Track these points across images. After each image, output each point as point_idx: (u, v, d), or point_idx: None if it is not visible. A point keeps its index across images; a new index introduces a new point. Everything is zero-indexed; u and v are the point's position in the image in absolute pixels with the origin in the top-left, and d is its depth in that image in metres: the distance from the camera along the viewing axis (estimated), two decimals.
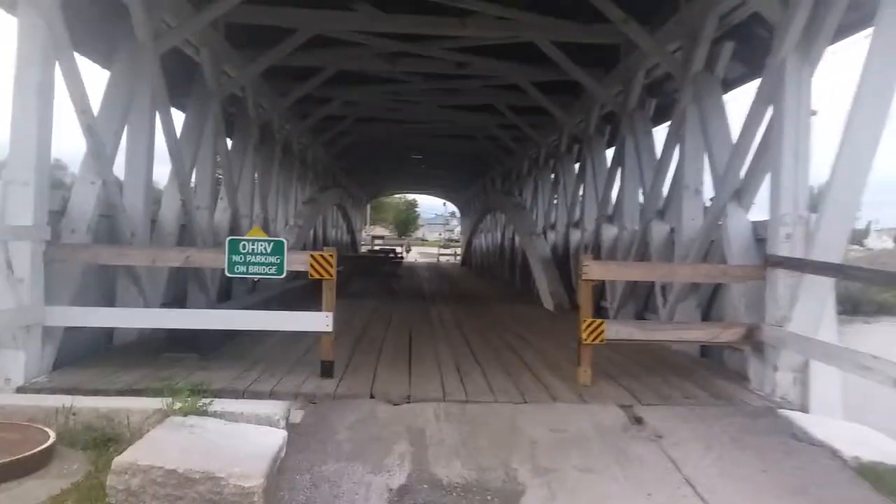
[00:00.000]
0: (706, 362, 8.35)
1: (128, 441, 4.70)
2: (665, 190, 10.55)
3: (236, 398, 6.03)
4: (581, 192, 15.52)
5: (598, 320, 6.93)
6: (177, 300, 10.96)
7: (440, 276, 28.03)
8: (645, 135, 11.30)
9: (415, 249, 65.14)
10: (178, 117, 11.11)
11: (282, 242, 6.72)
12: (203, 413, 4.86)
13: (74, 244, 6.80)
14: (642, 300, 11.46)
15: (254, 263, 6.66)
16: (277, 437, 4.64)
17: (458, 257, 44.86)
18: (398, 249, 42.52)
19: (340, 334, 9.55)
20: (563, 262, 16.23)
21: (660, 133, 12.04)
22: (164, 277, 9.38)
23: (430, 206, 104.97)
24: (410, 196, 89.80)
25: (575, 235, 15.76)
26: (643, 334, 6.92)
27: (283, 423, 5.00)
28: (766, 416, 6.06)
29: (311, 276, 6.72)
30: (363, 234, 53.43)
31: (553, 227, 18.33)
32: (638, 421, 5.82)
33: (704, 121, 8.59)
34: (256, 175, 15.14)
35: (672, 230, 10.34)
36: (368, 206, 58.41)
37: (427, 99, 18.38)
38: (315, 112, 18.17)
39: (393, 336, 9.73)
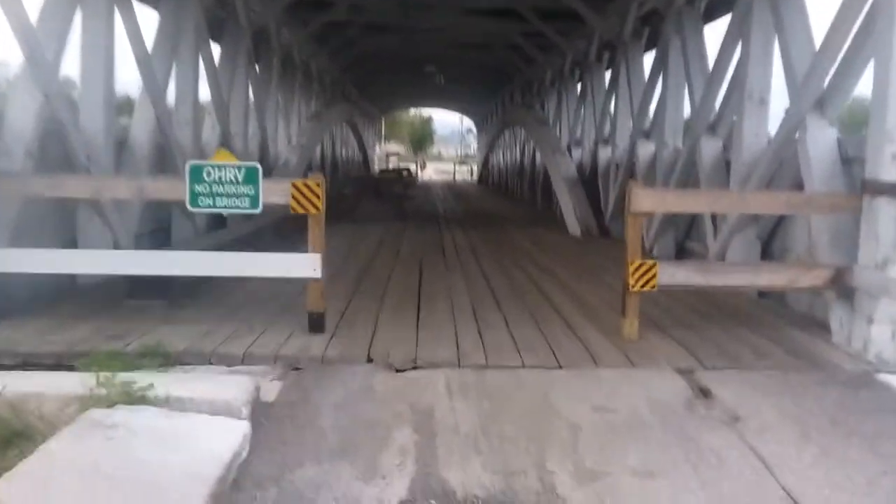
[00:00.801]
0: (768, 304, 7.06)
1: (41, 437, 3.55)
2: (718, 101, 9.02)
3: (202, 362, 4.88)
4: (612, 105, 13.91)
5: (649, 262, 5.62)
6: (161, 228, 9.84)
7: (456, 196, 26.67)
8: (694, 34, 9.66)
9: (430, 166, 63.47)
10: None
11: (255, 169, 5.39)
12: (139, 400, 3.67)
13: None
14: (684, 228, 10.11)
15: (222, 195, 5.37)
16: (235, 436, 3.46)
17: (475, 175, 43.31)
18: (412, 167, 41.08)
19: (340, 271, 8.35)
20: (591, 183, 14.79)
21: (712, 32, 10.42)
22: (138, 205, 8.17)
23: (447, 121, 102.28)
24: (426, 112, 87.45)
25: (604, 153, 14.26)
26: (704, 278, 5.61)
27: (245, 410, 3.80)
28: (866, 384, 4.80)
29: (294, 210, 5.43)
30: (377, 150, 51.83)
31: (579, 143, 16.78)
32: (705, 394, 4.58)
33: (777, 10, 7.00)
34: (251, 89, 13.68)
35: (725, 148, 8.90)
36: (382, 123, 56.45)
37: (440, 1, 16.57)
38: (316, 17, 16.45)
39: (401, 271, 8.49)
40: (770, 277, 5.72)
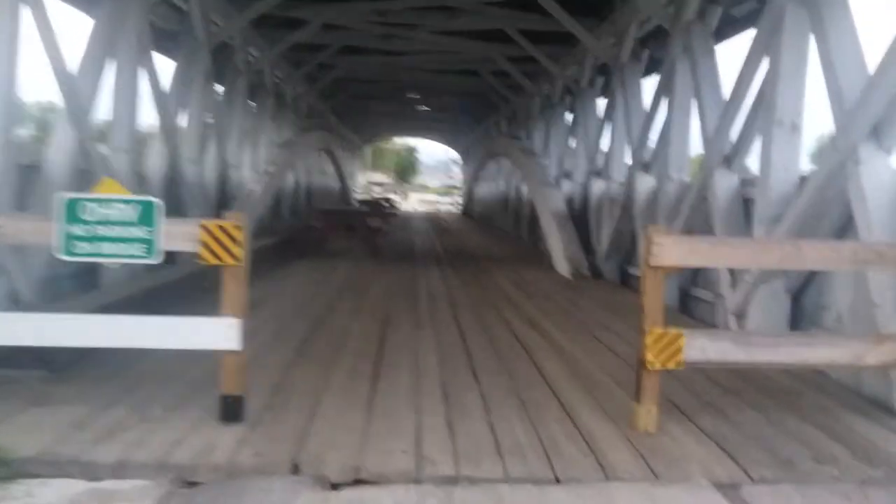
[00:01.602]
0: (804, 374, 5.77)
1: None
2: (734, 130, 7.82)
3: (57, 473, 3.49)
4: (607, 135, 12.73)
5: (674, 332, 4.31)
6: (87, 269, 8.51)
7: (437, 230, 25.37)
8: (706, 53, 8.49)
9: (414, 196, 62.35)
10: None
11: (151, 205, 4.04)
12: None
13: None
14: (689, 273, 8.85)
15: (107, 239, 4.00)
16: None
17: (459, 206, 42.13)
18: (393, 198, 39.77)
19: (288, 326, 6.96)
20: (582, 219, 13.57)
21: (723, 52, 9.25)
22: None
23: (432, 152, 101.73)
24: (412, 142, 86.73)
25: (597, 187, 13.05)
26: (746, 354, 4.30)
27: None
28: None
29: (204, 259, 4.08)
30: (360, 181, 50.64)
31: (569, 176, 15.58)
32: None
33: (817, 20, 5.81)
34: (211, 112, 12.42)
35: (742, 183, 7.69)
36: (366, 152, 55.33)
37: (422, 21, 15.44)
38: (286, 36, 15.24)
39: (362, 327, 7.10)
40: (830, 353, 4.40)
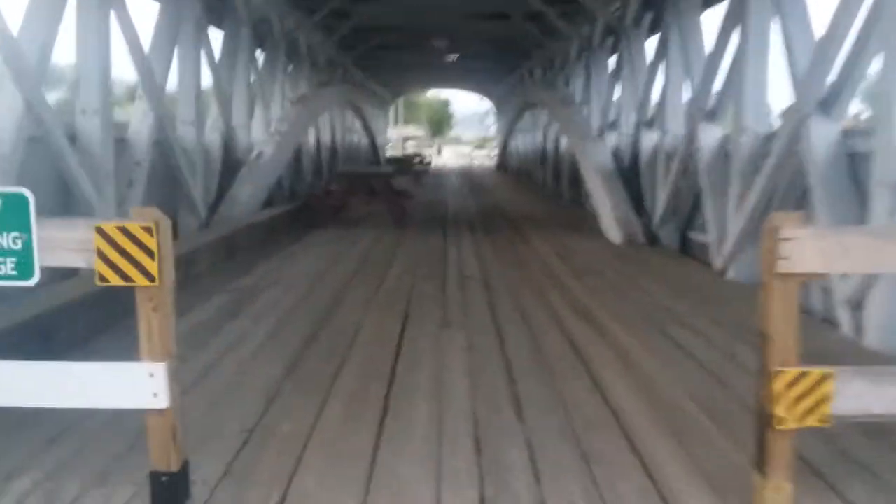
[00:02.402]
0: None
1: None
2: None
3: None
4: (662, 79, 11.04)
5: (819, 372, 2.86)
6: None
7: (471, 186, 23.88)
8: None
9: (449, 149, 60.66)
10: None
11: (21, 199, 2.68)
12: None
13: None
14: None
15: None
16: None
17: (494, 158, 40.39)
18: (425, 153, 38.24)
19: (284, 327, 5.66)
20: (631, 176, 12.00)
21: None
22: None
23: (465, 102, 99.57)
24: (445, 95, 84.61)
25: (649, 139, 11.43)
26: None
27: None
28: None
29: (105, 279, 2.72)
30: (391, 135, 49.11)
31: (614, 126, 13.93)
32: None
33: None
34: (208, 63, 11.02)
35: (847, 134, 6.12)
36: (396, 106, 53.54)
37: None
38: None
39: (374, 326, 5.72)
40: None
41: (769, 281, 3.00)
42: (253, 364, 4.75)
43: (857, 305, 5.37)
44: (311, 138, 18.23)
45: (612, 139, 13.63)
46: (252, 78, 13.33)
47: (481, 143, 60.00)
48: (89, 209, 7.18)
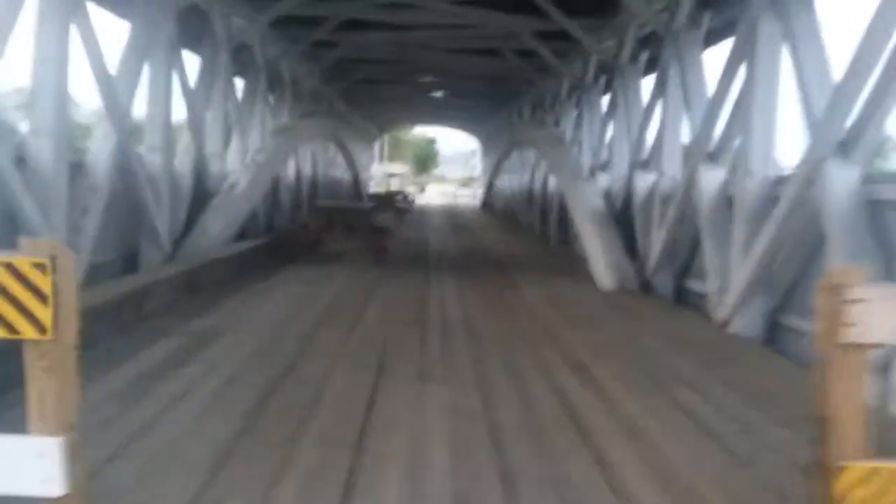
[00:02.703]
0: None
1: None
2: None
3: None
4: (658, 119, 10.56)
5: (887, 467, 2.23)
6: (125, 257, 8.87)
7: (455, 225, 23.32)
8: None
9: (434, 188, 60.34)
10: None
11: None
12: None
13: None
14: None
15: None
16: None
17: (478, 199, 39.94)
18: (408, 192, 37.77)
19: (241, 376, 4.98)
20: (624, 218, 11.47)
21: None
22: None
23: (451, 142, 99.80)
24: (431, 133, 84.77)
25: (643, 181, 10.91)
26: None
27: None
28: None
29: None
30: (376, 171, 48.65)
31: (605, 167, 13.46)
32: None
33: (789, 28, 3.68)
34: (182, 88, 10.42)
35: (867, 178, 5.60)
36: (382, 143, 53.20)
37: None
38: (274, 5, 13.13)
39: (343, 380, 5.03)
40: None
41: (830, 353, 2.38)
42: (197, 425, 4.05)
43: (884, 369, 4.78)
44: (291, 171, 17.64)
45: (603, 180, 13.15)
46: (229, 105, 12.74)
47: (466, 182, 59.72)
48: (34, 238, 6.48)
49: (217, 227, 10.60)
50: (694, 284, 9.24)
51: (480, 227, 23.14)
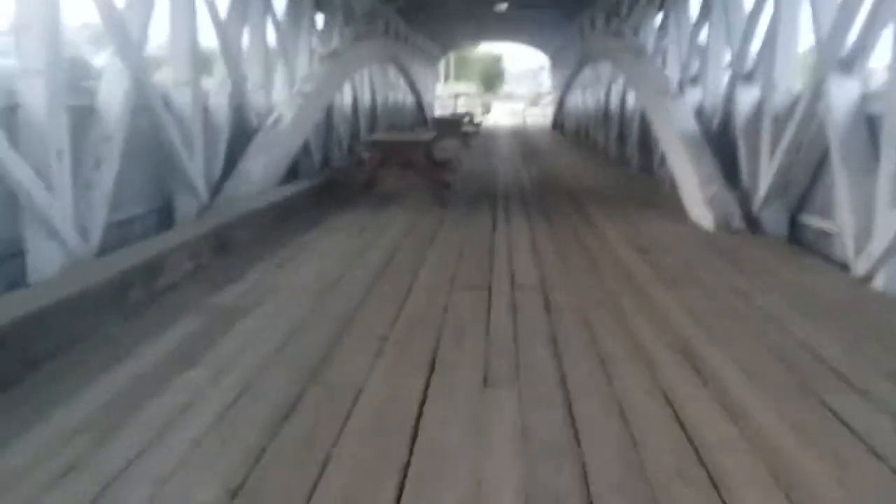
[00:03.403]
0: None
1: None
2: None
3: None
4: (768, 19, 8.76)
5: None
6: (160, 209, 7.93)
7: (524, 150, 21.73)
8: None
9: (501, 106, 58.02)
10: None
11: None
12: None
13: None
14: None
15: None
16: None
17: (548, 117, 37.85)
18: (475, 113, 36.13)
19: (257, 381, 3.82)
20: (722, 142, 9.87)
21: None
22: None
23: (518, 58, 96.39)
24: (497, 50, 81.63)
25: (747, 96, 9.22)
26: None
27: None
28: None
29: None
30: (441, 92, 46.89)
31: (696, 81, 11.71)
32: None
33: None
34: (209, 14, 9.20)
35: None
36: (446, 62, 51.06)
37: None
38: None
39: (381, 383, 3.90)
40: None
41: None
42: (191, 461, 3.01)
43: None
44: (348, 99, 16.39)
45: (694, 96, 11.44)
46: (271, 29, 11.47)
47: (535, 100, 57.01)
48: (28, 201, 5.53)
49: (259, 168, 9.52)
50: (814, 221, 7.71)
51: (553, 151, 21.47)
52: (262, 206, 8.29)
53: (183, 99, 8.41)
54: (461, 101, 53.54)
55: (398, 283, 5.96)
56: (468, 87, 75.85)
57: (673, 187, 10.58)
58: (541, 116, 44.56)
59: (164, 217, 8.30)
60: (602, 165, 16.26)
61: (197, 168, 8.52)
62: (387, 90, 22.04)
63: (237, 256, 6.79)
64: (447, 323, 4.94)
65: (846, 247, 6.38)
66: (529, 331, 4.82)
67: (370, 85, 19.02)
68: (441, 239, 7.90)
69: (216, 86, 9.69)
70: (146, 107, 7.54)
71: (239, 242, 7.22)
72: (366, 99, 18.41)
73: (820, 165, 7.42)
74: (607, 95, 19.17)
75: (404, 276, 6.19)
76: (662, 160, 12.21)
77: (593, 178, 13.76)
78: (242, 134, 10.01)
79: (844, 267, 6.55)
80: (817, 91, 6.96)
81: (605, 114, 19.44)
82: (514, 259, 6.92)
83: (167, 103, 8.28)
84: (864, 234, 6.11)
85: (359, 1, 17.50)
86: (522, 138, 27.61)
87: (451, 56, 53.07)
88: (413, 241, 7.78)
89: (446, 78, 55.14)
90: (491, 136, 28.71)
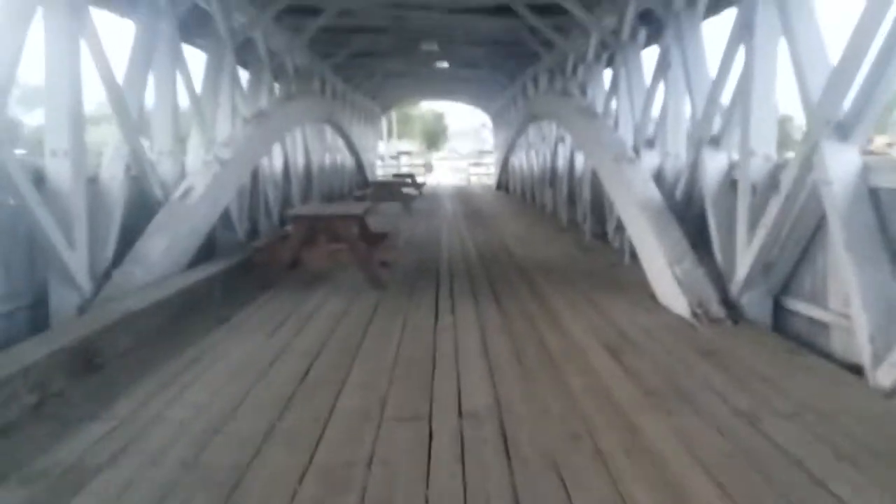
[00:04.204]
0: None
1: None
2: None
3: None
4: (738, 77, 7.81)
5: None
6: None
7: (469, 214, 20.65)
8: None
9: (444, 164, 57.47)
10: None
11: None
12: None
13: None
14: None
15: None
16: None
17: (493, 177, 37.15)
18: (416, 174, 35.26)
19: None
20: (687, 214, 8.87)
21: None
22: None
23: (461, 115, 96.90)
24: (440, 107, 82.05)
25: (716, 163, 8.25)
26: None
27: None
28: None
29: None
30: (382, 152, 45.95)
31: (651, 144, 10.81)
32: None
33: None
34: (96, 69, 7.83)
35: None
36: (388, 119, 50.27)
37: None
38: None
39: None
40: None
41: None
42: None
43: None
44: (278, 162, 15.07)
45: (651, 160, 10.50)
46: (179, 87, 10.15)
47: (478, 159, 56.48)
48: None
49: (159, 250, 8.08)
50: (802, 307, 6.66)
51: (499, 215, 20.40)
52: (153, 302, 6.81)
53: (60, 170, 7.00)
54: (405, 158, 52.83)
55: (312, 413, 4.58)
56: (411, 145, 75.42)
57: (634, 260, 9.53)
58: (485, 175, 43.97)
59: (38, 315, 6.81)
60: (552, 232, 15.19)
61: (78, 255, 7.05)
62: (323, 152, 20.83)
63: (108, 376, 5.30)
64: (371, 483, 3.58)
65: (860, 348, 5.28)
66: (485, 493, 3.49)
67: (304, 147, 17.78)
68: (373, 336, 6.56)
69: (110, 153, 8.30)
70: (8, 180, 6.14)
71: (116, 354, 5.73)
72: (299, 162, 17.12)
73: (814, 246, 6.40)
74: (554, 155, 18.34)
75: (321, 400, 4.81)
76: (619, 227, 11.20)
77: (545, 249, 12.61)
78: (143, 209, 8.59)
79: (851, 367, 5.50)
80: (808, 159, 5.95)
81: (553, 175, 18.58)
82: (461, 367, 5.60)
83: (40, 177, 6.89)
84: (882, 334, 5.03)
85: (290, 57, 16.37)
86: (467, 200, 26.63)
87: (394, 113, 52.48)
88: (339, 340, 6.41)
89: (389, 135, 54.41)
90: (434, 196, 27.71)
